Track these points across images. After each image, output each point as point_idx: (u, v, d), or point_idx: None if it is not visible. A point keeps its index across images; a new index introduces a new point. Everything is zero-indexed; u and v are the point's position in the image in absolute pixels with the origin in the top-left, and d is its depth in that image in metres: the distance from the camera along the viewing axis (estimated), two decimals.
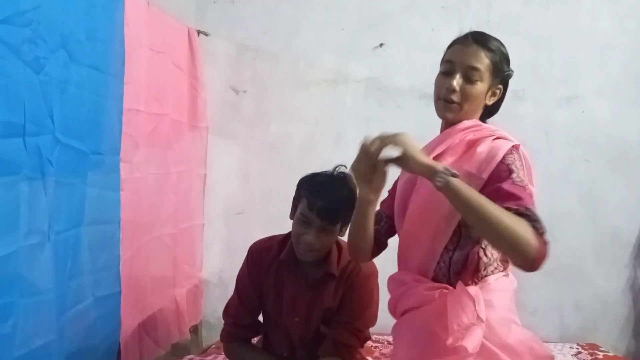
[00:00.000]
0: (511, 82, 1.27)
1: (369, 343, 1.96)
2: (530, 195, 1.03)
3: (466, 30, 1.24)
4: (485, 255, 1.13)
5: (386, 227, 1.28)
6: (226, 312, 1.65)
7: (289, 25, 2.60)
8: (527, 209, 0.99)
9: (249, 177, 2.63)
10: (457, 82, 1.14)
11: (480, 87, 1.15)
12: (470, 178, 1.06)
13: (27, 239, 1.17)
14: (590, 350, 2.30)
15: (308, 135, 2.60)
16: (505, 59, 1.20)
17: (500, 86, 1.20)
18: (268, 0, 2.59)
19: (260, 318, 1.67)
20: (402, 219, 1.20)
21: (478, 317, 1.04)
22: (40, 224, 1.22)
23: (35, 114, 1.19)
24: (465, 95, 1.15)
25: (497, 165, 1.07)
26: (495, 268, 1.15)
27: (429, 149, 1.15)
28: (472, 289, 1.08)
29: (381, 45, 2.55)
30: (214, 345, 2.25)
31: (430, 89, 1.24)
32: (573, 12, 2.50)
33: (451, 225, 1.09)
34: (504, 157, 1.07)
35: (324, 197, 1.40)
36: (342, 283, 1.52)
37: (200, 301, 2.52)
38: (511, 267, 1.19)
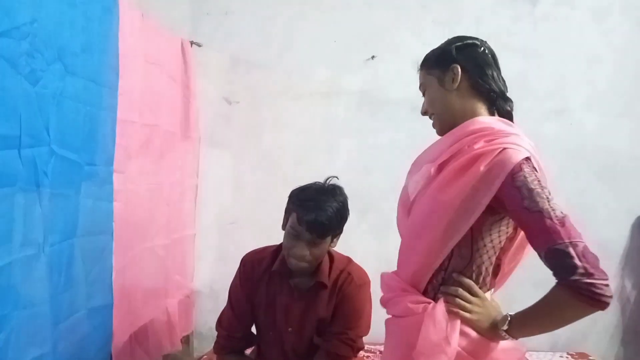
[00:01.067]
0: None
1: (361, 352, 1.96)
2: (547, 216, 0.94)
3: None
4: (478, 278, 1.10)
5: None
6: (219, 323, 1.65)
7: (282, 38, 2.63)
8: (554, 250, 0.92)
9: (242, 188, 2.64)
10: (423, 106, 1.22)
11: (429, 92, 1.18)
12: (471, 201, 1.01)
13: (21, 251, 1.17)
14: None
15: (301, 146, 2.62)
16: (440, 46, 1.19)
17: (454, 65, 1.12)
18: (261, 13, 2.62)
19: (254, 329, 1.67)
20: (404, 221, 1.18)
21: (446, 337, 1.01)
22: (35, 235, 1.22)
23: (31, 126, 1.19)
24: (427, 106, 1.19)
25: (507, 191, 0.98)
26: (483, 287, 1.11)
27: (435, 152, 1.13)
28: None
29: (373, 57, 2.59)
30: (205, 356, 2.24)
31: (422, 101, 1.26)
32: (561, 27, 2.56)
33: (446, 246, 1.05)
34: (512, 179, 0.98)
35: (312, 211, 1.41)
36: (334, 293, 1.53)
37: (192, 312, 2.51)
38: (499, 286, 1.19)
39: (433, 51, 1.21)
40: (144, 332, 1.90)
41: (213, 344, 1.68)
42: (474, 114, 1.12)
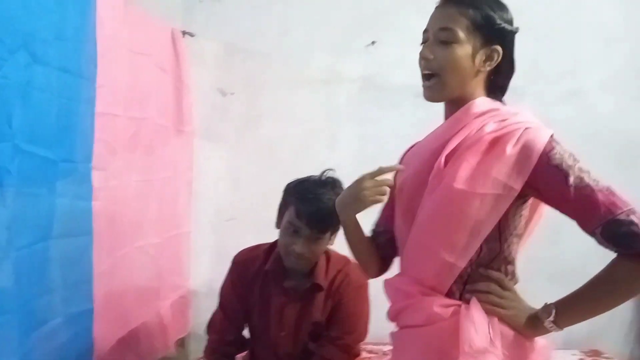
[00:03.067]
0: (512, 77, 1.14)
1: (363, 354, 1.86)
2: (596, 188, 0.88)
3: None
4: (506, 270, 1.01)
5: (387, 241, 1.16)
6: (210, 326, 1.58)
7: (280, 24, 2.52)
8: (608, 222, 0.87)
9: (240, 182, 2.55)
10: (429, 48, 0.99)
11: (459, 49, 0.97)
12: (502, 188, 0.92)
13: None
14: (594, 357, 2.25)
15: (301, 137, 2.52)
16: (496, 9, 0.99)
17: (497, 46, 0.98)
18: None
19: (246, 333, 1.58)
20: (409, 224, 1.04)
21: (491, 340, 0.92)
22: None
23: None
24: (441, 62, 0.98)
25: (544, 171, 0.91)
26: (512, 279, 1.03)
27: (439, 139, 1.01)
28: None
29: (373, 43, 2.47)
30: (202, 359, 2.16)
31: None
32: (576, 4, 2.41)
33: (476, 240, 0.94)
34: (548, 158, 0.91)
35: (312, 204, 1.34)
36: (331, 295, 1.44)
37: (188, 313, 2.43)
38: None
39: (484, 5, 0.99)
40: (134, 336, 1.81)
41: (204, 348, 1.60)
42: (477, 97, 1.02)
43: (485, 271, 0.98)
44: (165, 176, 2.16)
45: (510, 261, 1.00)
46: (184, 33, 2.41)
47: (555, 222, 1.05)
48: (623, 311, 2.36)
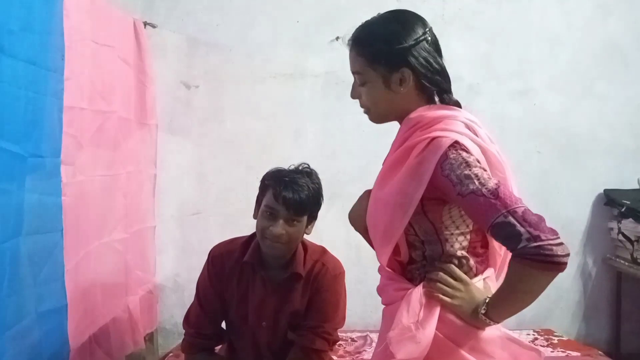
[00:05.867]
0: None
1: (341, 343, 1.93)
2: (479, 194, 0.91)
3: None
4: (459, 261, 1.06)
5: None
6: (187, 321, 1.57)
7: (243, 18, 2.51)
8: (496, 224, 0.89)
9: (204, 176, 2.53)
10: (354, 90, 1.09)
11: (372, 88, 1.05)
12: (405, 196, 0.98)
13: None
14: (546, 336, 2.38)
15: (265, 132, 2.53)
16: (386, 38, 1.02)
17: (403, 69, 1.02)
18: None
19: (223, 325, 1.60)
20: None
21: (418, 322, 0.98)
22: None
23: None
24: (366, 102, 1.08)
25: (438, 181, 0.95)
26: (469, 272, 1.06)
27: (390, 154, 1.09)
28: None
29: (337, 38, 2.51)
30: (171, 354, 2.16)
31: None
32: (524, 8, 2.56)
33: (389, 243, 1.03)
34: (441, 169, 0.95)
35: (289, 187, 1.38)
36: (309, 285, 1.47)
37: (156, 307, 2.41)
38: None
39: (374, 39, 1.04)
40: (104, 332, 1.79)
41: (181, 343, 1.60)
42: (416, 108, 1.06)
43: (440, 263, 1.05)
44: (130, 170, 2.12)
45: (460, 257, 1.04)
46: (145, 24, 2.36)
47: None
48: (570, 292, 2.57)
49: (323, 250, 1.54)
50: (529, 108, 2.56)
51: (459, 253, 1.05)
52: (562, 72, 2.56)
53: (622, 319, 2.53)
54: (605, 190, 2.54)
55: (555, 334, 2.42)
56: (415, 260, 1.08)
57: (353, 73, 1.09)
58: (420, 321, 0.98)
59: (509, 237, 0.88)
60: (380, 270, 1.14)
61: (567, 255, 0.86)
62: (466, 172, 0.93)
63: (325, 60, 2.52)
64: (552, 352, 2.21)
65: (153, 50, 2.39)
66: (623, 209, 2.40)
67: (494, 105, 2.53)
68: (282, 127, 2.54)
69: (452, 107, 1.06)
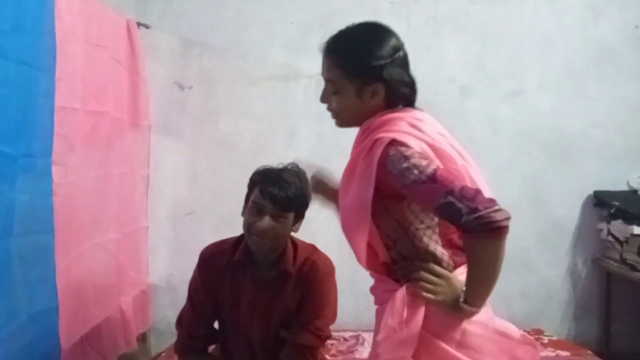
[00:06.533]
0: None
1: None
2: (420, 181, 0.94)
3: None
4: (436, 259, 1.07)
5: None
6: (179, 322, 1.57)
7: (237, 19, 2.52)
8: (439, 207, 0.93)
9: (198, 177, 2.54)
10: (324, 96, 1.11)
11: (343, 98, 1.08)
12: (359, 197, 1.02)
13: None
14: (536, 336, 2.39)
15: (259, 132, 2.54)
16: (364, 54, 1.05)
17: (377, 84, 1.05)
18: None
19: (216, 326, 1.60)
20: None
21: (401, 322, 1.00)
22: None
23: None
24: (335, 110, 1.11)
25: (384, 177, 0.99)
26: (448, 266, 1.08)
27: (351, 156, 1.11)
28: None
29: None
30: (164, 354, 2.16)
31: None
32: (516, 10, 2.58)
33: (361, 244, 1.05)
34: (385, 166, 0.99)
35: (276, 183, 1.39)
36: (299, 282, 1.48)
37: (149, 308, 2.41)
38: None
39: (351, 52, 1.07)
40: (96, 333, 1.79)
41: (174, 344, 1.60)
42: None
43: (420, 263, 1.06)
44: (122, 171, 2.13)
45: (432, 251, 1.06)
46: (139, 24, 2.36)
47: None
48: (560, 293, 2.59)
49: (313, 248, 1.55)
50: (520, 109, 2.57)
51: (431, 248, 1.06)
52: (553, 73, 2.58)
53: (611, 318, 2.55)
54: (595, 192, 2.56)
55: (545, 333, 2.44)
56: (396, 260, 1.10)
57: (326, 80, 1.11)
58: (405, 321, 1.01)
59: (452, 216, 0.92)
60: (371, 272, 1.16)
61: (508, 218, 0.90)
62: (405, 164, 0.97)
63: (318, 62, 2.44)
64: (542, 351, 2.23)
65: (146, 50, 2.39)
66: (612, 210, 2.42)
67: (485, 106, 2.55)
68: (276, 128, 2.55)
69: (402, 109, 1.09)
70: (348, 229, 1.09)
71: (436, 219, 1.06)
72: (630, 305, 2.54)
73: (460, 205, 0.90)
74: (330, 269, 1.52)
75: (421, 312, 1.02)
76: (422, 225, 1.06)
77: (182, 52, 2.51)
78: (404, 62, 1.09)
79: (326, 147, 2.54)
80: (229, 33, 2.51)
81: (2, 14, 1.27)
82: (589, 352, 2.24)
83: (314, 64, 2.47)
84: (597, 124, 2.59)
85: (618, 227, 2.39)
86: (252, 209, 1.41)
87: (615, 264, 2.41)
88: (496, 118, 2.55)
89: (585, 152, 2.59)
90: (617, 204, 2.42)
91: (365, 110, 1.09)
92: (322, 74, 1.11)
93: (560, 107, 2.58)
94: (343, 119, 1.12)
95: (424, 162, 0.97)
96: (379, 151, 0.99)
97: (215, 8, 2.51)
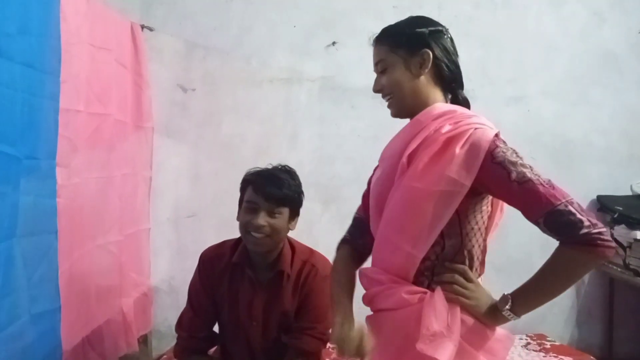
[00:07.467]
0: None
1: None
2: (537, 182, 0.95)
3: None
4: (470, 263, 1.08)
5: (365, 234, 1.22)
6: (179, 325, 1.57)
7: (241, 22, 2.53)
8: (555, 212, 0.92)
9: (200, 179, 2.54)
10: (376, 83, 1.15)
11: (392, 71, 1.11)
12: (453, 185, 0.99)
13: None
14: (539, 341, 2.39)
15: (262, 135, 2.54)
16: (409, 24, 1.13)
17: (424, 49, 1.09)
18: None
19: (216, 328, 1.61)
20: (378, 221, 1.13)
21: (448, 326, 0.99)
22: None
23: None
24: (387, 87, 1.13)
25: (489, 169, 0.98)
26: (474, 273, 1.09)
27: (403, 140, 1.08)
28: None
29: (334, 43, 2.53)
30: (165, 356, 2.16)
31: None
32: (520, 15, 2.58)
33: (434, 233, 1.02)
34: (492, 156, 0.98)
35: (268, 179, 1.42)
36: (299, 286, 1.49)
37: (150, 310, 2.41)
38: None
39: (397, 28, 1.14)
40: (97, 334, 1.79)
41: (174, 346, 1.60)
42: (434, 101, 1.12)
43: (451, 264, 1.06)
44: (125, 173, 2.13)
45: (473, 255, 1.07)
46: (143, 27, 2.37)
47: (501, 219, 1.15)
48: (564, 298, 2.58)
49: (311, 251, 1.56)
50: (523, 114, 2.58)
51: (474, 250, 1.07)
52: (556, 78, 2.59)
53: (614, 324, 2.55)
54: (598, 197, 2.56)
55: (548, 338, 2.44)
56: (428, 258, 1.06)
57: (375, 65, 1.15)
58: (450, 325, 1.00)
59: (568, 224, 0.92)
60: (372, 273, 1.13)
61: (606, 246, 0.93)
62: (520, 160, 0.98)
63: (321, 65, 2.54)
64: (544, 356, 2.22)
65: (150, 53, 2.40)
66: (616, 215, 2.42)
67: (488, 111, 2.51)
68: (278, 131, 2.55)
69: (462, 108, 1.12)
70: (421, 213, 1.02)
71: (487, 223, 1.08)
72: (634, 310, 2.53)
73: (581, 217, 0.92)
74: (329, 272, 1.52)
75: (459, 317, 1.02)
76: (477, 227, 1.06)
77: (185, 55, 2.51)
78: (452, 46, 1.14)
79: (328, 150, 2.55)
80: (232, 36, 2.52)
81: (8, 16, 1.27)
82: (592, 357, 2.23)
83: (317, 67, 2.54)
84: (601, 129, 2.59)
85: (621, 232, 2.39)
86: (247, 208, 1.43)
87: (619, 269, 2.41)
88: (499, 123, 2.48)
89: (588, 157, 2.59)
90: (620, 209, 2.42)
91: (418, 87, 1.10)
92: (373, 62, 1.15)
93: (564, 112, 2.59)
94: (398, 97, 1.12)
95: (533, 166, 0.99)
96: (487, 140, 0.99)
97: (219, 11, 2.52)
